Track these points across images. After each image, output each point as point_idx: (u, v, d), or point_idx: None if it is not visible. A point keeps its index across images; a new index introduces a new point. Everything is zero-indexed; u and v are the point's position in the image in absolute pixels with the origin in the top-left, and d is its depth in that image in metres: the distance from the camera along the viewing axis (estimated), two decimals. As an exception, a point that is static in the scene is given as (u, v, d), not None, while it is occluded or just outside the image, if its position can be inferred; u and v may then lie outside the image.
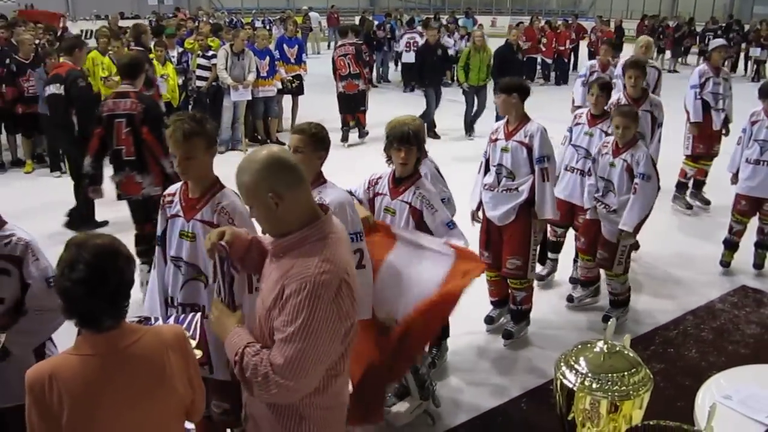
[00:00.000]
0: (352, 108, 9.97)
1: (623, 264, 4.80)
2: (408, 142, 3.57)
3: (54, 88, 6.74)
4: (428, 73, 10.77)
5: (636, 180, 4.55)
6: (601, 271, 5.11)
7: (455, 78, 11.05)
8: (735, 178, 5.77)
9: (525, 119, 4.44)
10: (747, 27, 19.51)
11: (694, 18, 21.70)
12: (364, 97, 9.91)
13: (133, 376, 1.90)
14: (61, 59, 7.11)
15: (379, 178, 3.76)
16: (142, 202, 5.18)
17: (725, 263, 5.87)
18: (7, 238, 2.65)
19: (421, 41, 14.67)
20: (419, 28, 16.29)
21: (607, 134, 4.99)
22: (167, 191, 3.13)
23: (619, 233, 4.64)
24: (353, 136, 10.12)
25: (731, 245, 5.86)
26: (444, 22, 18.61)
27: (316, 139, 3.12)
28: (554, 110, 9.02)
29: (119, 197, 5.31)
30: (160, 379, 1.95)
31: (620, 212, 4.62)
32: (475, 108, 10.75)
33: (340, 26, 13.38)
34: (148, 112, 5.15)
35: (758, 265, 5.84)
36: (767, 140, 5.52)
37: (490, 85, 10.35)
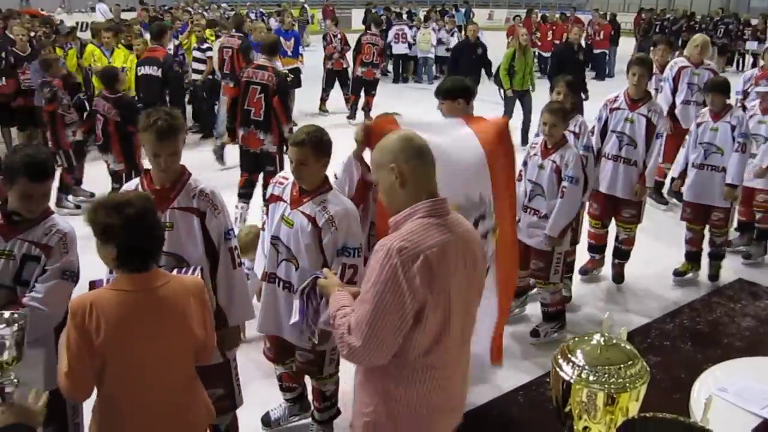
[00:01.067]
0: (365, 91, 11.07)
1: (559, 273, 4.50)
2: None
3: (150, 70, 7.39)
4: (463, 71, 9.57)
5: (564, 183, 4.27)
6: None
7: (498, 82, 9.63)
8: (679, 183, 5.53)
9: None
10: (743, 20, 19.40)
11: (694, 12, 21.60)
12: (376, 84, 11.21)
13: (160, 312, 2.23)
14: (152, 43, 7.96)
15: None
16: (255, 154, 6.25)
17: (677, 272, 5.52)
18: (49, 229, 2.71)
19: (410, 33, 14.72)
20: (416, 21, 16.28)
21: (576, 135, 4.74)
22: (125, 188, 3.04)
23: (545, 239, 4.35)
24: (359, 115, 10.74)
25: (689, 256, 5.49)
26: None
27: (318, 149, 3.03)
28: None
29: (241, 148, 6.38)
30: (181, 319, 2.26)
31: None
32: (522, 116, 9.50)
33: (375, 17, 14.29)
34: (281, 85, 6.26)
35: (712, 276, 5.50)
36: (711, 143, 5.18)
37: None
